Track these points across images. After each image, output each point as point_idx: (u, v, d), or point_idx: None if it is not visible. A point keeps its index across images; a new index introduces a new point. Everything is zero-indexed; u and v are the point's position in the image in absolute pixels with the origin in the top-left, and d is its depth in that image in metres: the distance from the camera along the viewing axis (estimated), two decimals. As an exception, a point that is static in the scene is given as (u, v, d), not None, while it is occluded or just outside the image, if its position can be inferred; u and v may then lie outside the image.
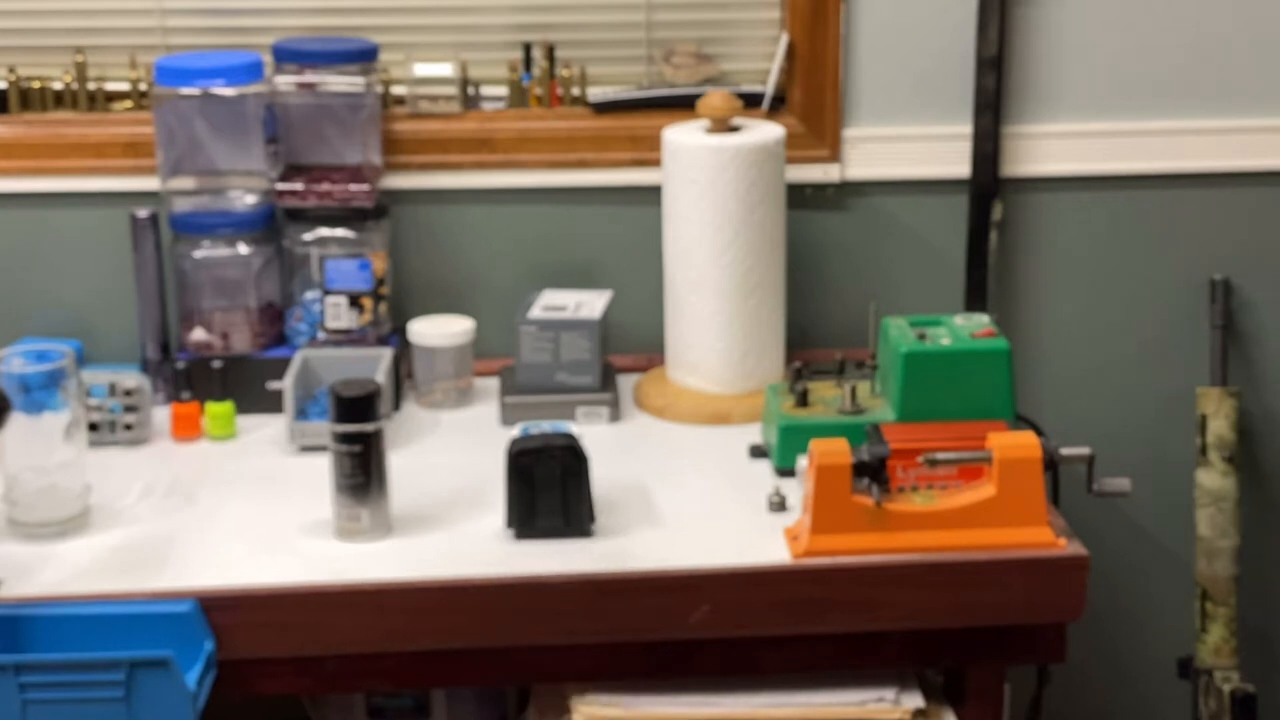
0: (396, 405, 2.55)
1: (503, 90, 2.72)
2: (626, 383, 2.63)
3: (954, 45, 2.67)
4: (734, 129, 2.53)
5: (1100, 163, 2.72)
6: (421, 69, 2.67)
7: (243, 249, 2.58)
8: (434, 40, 2.70)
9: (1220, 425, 2.71)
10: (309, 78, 2.57)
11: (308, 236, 2.59)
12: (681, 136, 2.51)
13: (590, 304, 2.57)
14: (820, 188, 2.72)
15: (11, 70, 2.67)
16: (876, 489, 2.10)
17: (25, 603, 2.03)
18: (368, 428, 2.16)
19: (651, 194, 2.61)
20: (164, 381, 2.55)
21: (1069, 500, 2.49)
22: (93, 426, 2.42)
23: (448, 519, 2.23)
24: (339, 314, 2.57)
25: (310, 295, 2.59)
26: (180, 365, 2.48)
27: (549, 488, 2.16)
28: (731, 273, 2.51)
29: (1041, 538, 2.11)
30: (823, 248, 2.74)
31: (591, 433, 2.41)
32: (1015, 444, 2.12)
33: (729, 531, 2.19)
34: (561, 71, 2.71)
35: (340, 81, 2.57)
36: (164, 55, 2.60)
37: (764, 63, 2.71)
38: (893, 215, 2.73)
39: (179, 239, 2.58)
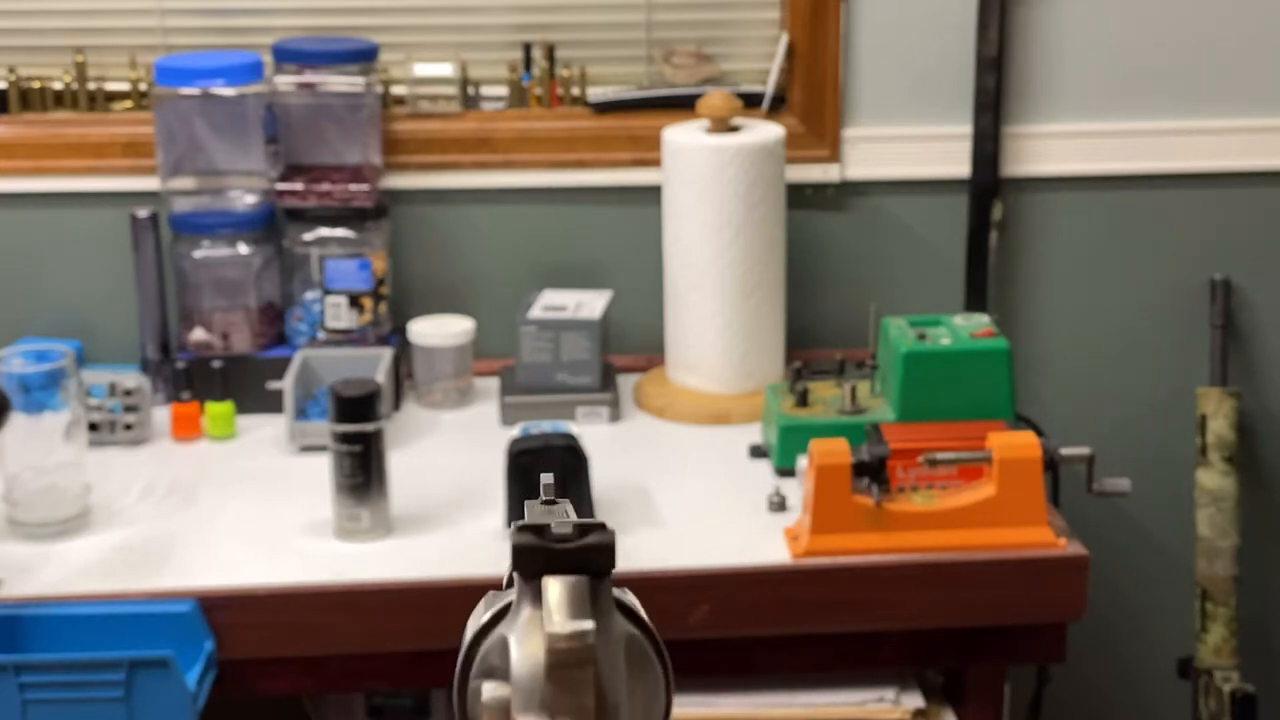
0: (396, 405, 2.55)
1: (503, 90, 2.72)
2: (626, 383, 2.63)
3: (954, 45, 2.67)
4: (734, 129, 2.53)
5: (1100, 163, 2.72)
6: (421, 69, 2.67)
7: (243, 249, 2.58)
8: (434, 40, 2.70)
9: (1220, 425, 2.70)
10: (309, 78, 2.57)
11: (308, 236, 2.59)
12: (681, 136, 2.51)
13: (590, 304, 2.57)
14: (820, 188, 2.72)
15: (11, 70, 2.67)
16: (876, 489, 2.10)
17: (25, 603, 2.03)
18: (368, 428, 2.16)
19: (651, 194, 2.61)
20: (164, 381, 2.55)
21: (1069, 500, 2.49)
22: (93, 426, 2.42)
23: (448, 519, 2.23)
24: (339, 314, 2.57)
25: (310, 295, 2.59)
26: (180, 365, 2.48)
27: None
28: (731, 273, 2.51)
29: (1041, 538, 2.11)
30: (823, 248, 2.74)
31: (591, 433, 2.41)
32: (1015, 444, 2.12)
33: (729, 531, 2.19)
34: (561, 71, 2.71)
35: (340, 81, 2.57)
36: (164, 55, 2.60)
37: (764, 63, 2.71)
38: (893, 215, 2.73)
39: (179, 239, 2.58)
